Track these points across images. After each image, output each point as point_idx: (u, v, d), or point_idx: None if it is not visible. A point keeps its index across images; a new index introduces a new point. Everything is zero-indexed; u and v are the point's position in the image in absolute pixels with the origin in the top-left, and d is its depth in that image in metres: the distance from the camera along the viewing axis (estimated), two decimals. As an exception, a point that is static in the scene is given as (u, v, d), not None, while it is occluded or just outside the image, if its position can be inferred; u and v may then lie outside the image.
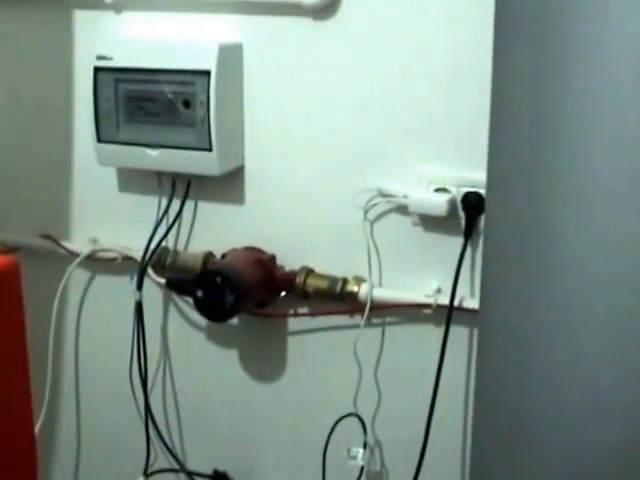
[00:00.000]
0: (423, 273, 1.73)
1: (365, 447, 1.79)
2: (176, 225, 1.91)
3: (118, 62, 1.78)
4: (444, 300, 1.68)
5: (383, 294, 1.75)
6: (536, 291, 1.17)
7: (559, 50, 1.09)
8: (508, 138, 1.21)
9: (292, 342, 1.90)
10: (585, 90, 1.08)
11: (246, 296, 1.75)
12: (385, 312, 1.77)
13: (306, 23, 1.71)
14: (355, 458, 1.78)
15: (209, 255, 1.87)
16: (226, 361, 1.96)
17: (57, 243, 2.02)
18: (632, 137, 1.05)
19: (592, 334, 1.12)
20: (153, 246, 1.89)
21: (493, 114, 1.25)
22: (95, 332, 2.09)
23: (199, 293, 1.74)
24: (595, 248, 1.10)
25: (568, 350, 1.14)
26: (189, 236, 1.92)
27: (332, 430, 1.79)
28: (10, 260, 1.18)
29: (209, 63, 1.70)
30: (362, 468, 1.80)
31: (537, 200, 1.15)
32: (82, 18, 1.91)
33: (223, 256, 1.85)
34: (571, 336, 1.14)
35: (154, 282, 1.92)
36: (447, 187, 1.66)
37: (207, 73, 1.70)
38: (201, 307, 1.76)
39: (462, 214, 1.66)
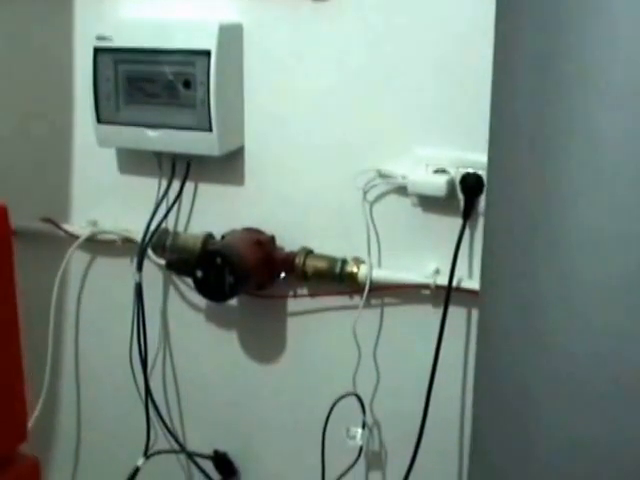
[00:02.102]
0: (422, 254, 1.73)
1: (364, 427, 1.80)
2: (176, 206, 1.91)
3: (118, 42, 1.77)
4: (443, 281, 1.68)
5: (382, 275, 1.75)
6: (537, 268, 1.17)
7: (563, 28, 1.09)
8: (509, 117, 1.21)
9: (291, 323, 1.90)
10: (590, 64, 1.07)
11: (245, 277, 1.75)
12: (384, 293, 1.77)
13: (306, 4, 1.71)
14: (354, 438, 1.79)
15: (209, 236, 1.87)
16: (226, 342, 1.97)
17: (57, 226, 2.02)
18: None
19: (594, 308, 1.12)
20: (153, 227, 1.89)
21: (494, 93, 1.25)
22: (95, 314, 2.10)
23: (199, 274, 1.74)
24: (598, 225, 1.10)
25: (570, 324, 1.15)
26: (189, 217, 1.92)
27: (331, 410, 1.78)
28: None
29: (209, 43, 1.70)
30: (361, 448, 1.80)
31: (538, 179, 1.15)
32: (82, -2, 1.92)
33: (223, 237, 1.85)
34: (573, 310, 1.14)
35: (154, 263, 1.93)
36: (446, 168, 1.66)
37: (207, 53, 1.70)
38: (201, 288, 1.76)
39: (461, 195, 1.66)
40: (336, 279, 1.78)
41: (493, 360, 1.30)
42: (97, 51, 1.79)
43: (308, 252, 1.80)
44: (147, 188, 1.91)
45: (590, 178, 1.10)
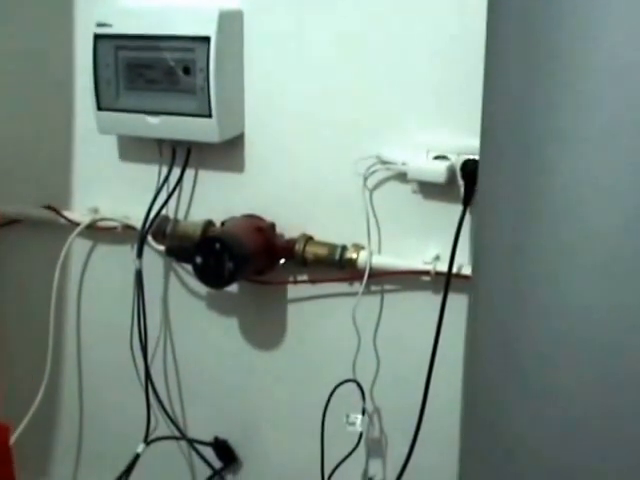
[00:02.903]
0: (422, 240, 1.73)
1: (364, 413, 1.80)
2: (176, 193, 1.91)
3: (118, 29, 1.77)
4: (442, 267, 1.68)
5: (382, 261, 1.76)
6: (528, 244, 1.18)
7: (556, 10, 1.09)
8: (500, 103, 1.22)
9: (291, 309, 1.91)
10: (582, 49, 1.08)
11: (245, 263, 1.75)
12: (384, 279, 1.78)
13: (305, -11, 1.72)
14: (354, 424, 1.79)
15: (209, 223, 1.88)
16: (226, 328, 1.97)
17: (58, 213, 2.03)
18: (632, 93, 1.05)
19: (584, 284, 1.13)
20: (153, 214, 1.89)
21: (486, 77, 1.27)
22: (96, 300, 2.11)
23: (198, 260, 1.74)
24: (595, 206, 1.10)
25: (561, 301, 1.15)
26: (189, 204, 1.93)
27: (331, 396, 1.80)
28: None
29: (209, 29, 1.70)
30: (361, 434, 1.81)
31: (531, 162, 1.16)
32: (83, -15, 1.92)
33: (223, 224, 1.86)
34: (561, 289, 1.15)
35: (154, 250, 1.93)
36: (446, 155, 1.66)
37: (207, 39, 1.70)
38: (200, 274, 1.77)
39: (461, 181, 1.66)
40: (336, 265, 1.78)
41: (483, 340, 1.31)
42: (97, 38, 1.79)
43: (308, 238, 1.80)
44: (147, 175, 1.92)
45: (582, 159, 1.10)
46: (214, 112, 1.73)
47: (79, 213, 2.02)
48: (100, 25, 1.78)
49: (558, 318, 1.16)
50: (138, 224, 1.90)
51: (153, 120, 1.79)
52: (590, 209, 1.11)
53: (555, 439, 1.19)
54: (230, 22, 1.74)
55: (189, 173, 1.89)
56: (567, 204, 1.12)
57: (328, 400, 1.80)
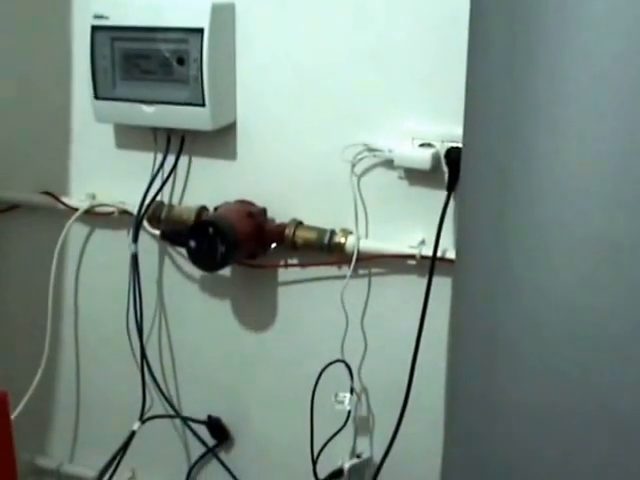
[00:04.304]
0: (408, 225, 1.77)
1: (352, 392, 1.84)
2: (171, 180, 1.96)
3: (114, 21, 1.82)
4: (428, 251, 1.73)
5: (369, 245, 1.80)
6: (508, 228, 1.21)
7: (535, 3, 1.13)
8: (483, 88, 1.26)
9: (282, 292, 1.95)
10: (562, 36, 1.11)
11: (237, 246, 1.79)
12: (371, 263, 1.82)
13: (295, -17, 1.76)
14: (342, 403, 1.83)
15: (202, 208, 1.92)
16: (219, 310, 2.02)
17: (56, 199, 2.07)
18: (610, 79, 1.09)
19: (564, 267, 1.16)
20: (148, 200, 1.94)
21: (469, 64, 1.30)
22: (93, 284, 2.15)
23: (192, 243, 1.79)
24: (575, 190, 1.14)
25: (540, 283, 1.18)
26: (183, 190, 1.97)
27: (320, 376, 1.83)
28: None
29: (202, 21, 1.74)
30: (349, 412, 1.85)
31: (513, 147, 1.19)
32: (80, -22, 1.95)
33: (216, 209, 1.90)
34: (542, 271, 1.18)
35: (149, 235, 1.98)
36: (431, 142, 1.70)
37: (200, 31, 1.74)
38: (194, 257, 1.81)
39: (445, 168, 1.70)
40: (325, 249, 1.82)
41: (466, 321, 1.35)
42: (94, 29, 1.83)
43: (298, 223, 1.85)
44: (143, 162, 1.96)
45: (561, 151, 1.13)
46: (207, 101, 1.77)
47: (77, 199, 2.06)
48: (97, 17, 1.83)
49: (538, 300, 1.19)
50: (134, 209, 1.95)
51: (148, 109, 1.83)
52: (567, 193, 1.14)
53: (538, 416, 1.22)
54: (223, 14, 1.79)
55: (183, 160, 1.94)
56: (545, 189, 1.15)
57: (317, 379, 1.83)
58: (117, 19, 1.82)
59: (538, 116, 1.15)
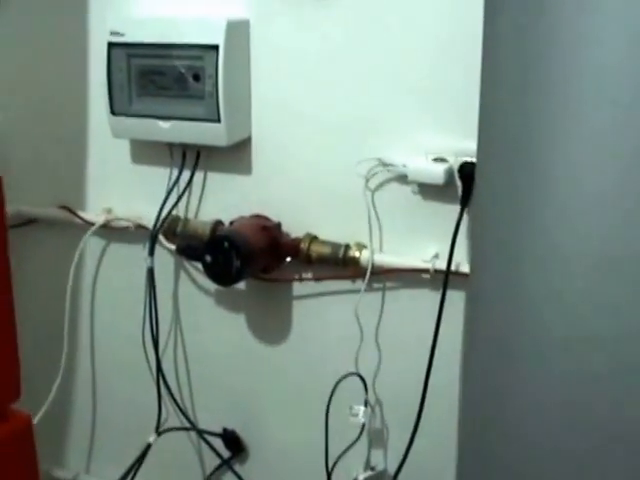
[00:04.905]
0: (421, 239, 1.78)
1: (366, 405, 1.85)
2: (186, 194, 1.97)
3: (131, 38, 1.83)
4: (441, 265, 1.73)
5: (383, 259, 1.81)
6: (522, 244, 1.22)
7: (550, 15, 1.14)
8: (498, 104, 1.26)
9: (296, 306, 1.96)
10: (576, 54, 1.12)
11: (252, 261, 1.81)
12: (385, 277, 1.83)
13: (309, 0, 1.77)
14: (356, 415, 1.84)
15: (218, 223, 1.94)
16: (234, 324, 2.03)
17: (73, 213, 2.09)
18: (622, 98, 1.10)
19: (576, 282, 1.17)
20: (164, 215, 1.95)
21: (483, 81, 1.31)
22: (109, 297, 2.17)
23: (207, 258, 1.80)
24: (586, 206, 1.14)
25: (553, 298, 1.19)
26: (198, 205, 1.98)
27: (334, 389, 1.83)
28: None
29: (218, 38, 1.76)
30: (363, 425, 1.86)
31: (527, 163, 1.20)
32: (97, -4, 1.98)
33: (231, 223, 1.91)
34: (559, 291, 1.19)
35: (165, 249, 1.99)
36: (445, 157, 1.71)
37: (216, 48, 1.76)
38: (209, 271, 1.83)
39: (459, 183, 1.70)
40: (339, 263, 1.83)
41: (479, 335, 1.35)
42: (111, 46, 1.85)
43: (313, 238, 1.86)
44: (159, 177, 1.97)
45: (577, 161, 1.14)
46: (222, 117, 1.79)
47: (93, 213, 2.08)
48: (113, 34, 1.84)
49: (552, 314, 1.20)
50: (150, 224, 1.96)
51: (164, 125, 1.85)
52: (580, 209, 1.15)
53: (551, 429, 1.23)
54: (237, 31, 1.80)
55: (198, 175, 1.95)
56: (558, 204, 1.16)
57: (332, 392, 1.84)
58: (133, 36, 1.84)
59: (552, 133, 1.16)
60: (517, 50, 1.20)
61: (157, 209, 1.95)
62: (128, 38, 1.84)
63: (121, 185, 2.06)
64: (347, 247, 1.83)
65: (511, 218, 1.24)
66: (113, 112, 1.90)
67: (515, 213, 1.23)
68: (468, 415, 1.43)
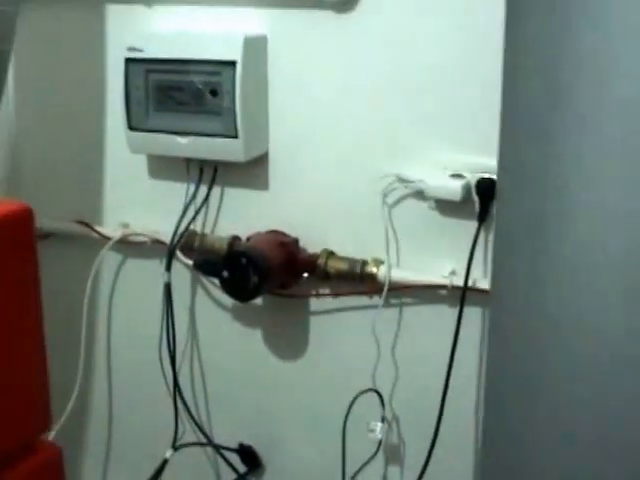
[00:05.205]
0: (439, 255, 1.78)
1: (383, 421, 1.85)
2: (203, 210, 1.97)
3: (148, 53, 1.84)
4: (458, 281, 1.73)
5: (401, 275, 1.81)
6: (545, 268, 1.22)
7: (572, 35, 1.14)
8: (519, 121, 1.27)
9: (314, 321, 1.95)
10: (599, 73, 1.13)
11: (269, 277, 1.81)
12: (402, 292, 1.82)
13: (328, 16, 1.77)
14: (374, 431, 1.84)
15: (235, 238, 1.94)
16: (251, 339, 2.03)
17: (90, 228, 2.10)
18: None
19: (601, 309, 1.17)
20: (181, 230, 1.95)
21: (504, 97, 1.31)
22: (126, 312, 2.17)
23: (224, 274, 1.80)
24: (607, 226, 1.15)
25: (577, 324, 1.20)
26: (215, 220, 1.98)
27: (351, 405, 1.84)
28: (21, 206, 1.18)
29: (235, 54, 1.76)
30: (380, 441, 1.86)
31: (547, 182, 1.20)
32: (114, 11, 1.98)
33: (248, 239, 1.92)
34: (580, 311, 1.20)
35: (182, 264, 1.99)
36: (462, 173, 1.71)
37: (233, 63, 1.76)
38: (226, 287, 1.83)
39: (476, 199, 1.71)
40: (357, 279, 1.83)
41: (503, 357, 1.35)
42: (128, 61, 1.86)
43: (330, 253, 1.86)
44: (176, 192, 1.98)
45: (597, 181, 1.15)
46: (240, 133, 1.79)
47: (110, 228, 2.08)
48: (131, 49, 1.85)
49: (573, 334, 1.21)
50: (167, 239, 1.96)
51: (182, 140, 1.85)
52: (600, 232, 1.16)
53: (576, 450, 1.24)
54: (255, 47, 1.81)
55: (216, 190, 1.96)
56: (578, 227, 1.17)
57: (349, 408, 1.84)
58: (151, 51, 1.85)
59: (576, 152, 1.17)
60: (539, 66, 1.21)
61: (174, 224, 1.96)
62: (146, 54, 1.85)
63: (138, 200, 2.07)
64: (364, 263, 1.83)
65: (533, 237, 1.24)
66: (130, 127, 1.90)
67: (537, 232, 1.23)
68: (491, 433, 1.43)
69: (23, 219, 1.17)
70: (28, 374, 1.27)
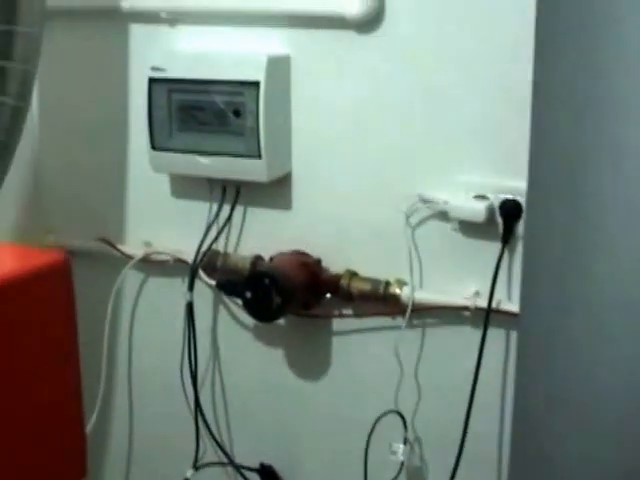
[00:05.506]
0: (462, 277, 1.77)
1: (405, 443, 1.84)
2: (226, 229, 1.97)
3: (172, 73, 1.85)
4: (482, 303, 1.72)
5: (424, 296, 1.80)
6: (574, 294, 1.22)
7: (600, 57, 1.14)
8: (549, 145, 1.26)
9: (336, 342, 1.95)
10: (627, 94, 1.12)
11: (292, 297, 1.81)
12: (425, 314, 1.82)
13: (350, 36, 1.77)
14: (396, 453, 1.83)
15: (257, 258, 1.94)
16: (273, 359, 2.02)
17: (113, 246, 2.10)
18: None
19: (630, 336, 1.17)
20: (204, 249, 1.96)
21: (534, 120, 1.30)
22: (148, 331, 2.17)
23: (247, 294, 1.80)
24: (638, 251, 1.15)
25: (605, 350, 1.19)
26: (238, 240, 1.98)
27: (374, 426, 1.83)
28: (61, 257, 1.17)
29: (258, 74, 1.76)
30: (402, 463, 1.85)
31: (577, 205, 1.20)
32: (138, 31, 1.99)
33: (271, 259, 1.92)
34: (608, 337, 1.19)
35: (205, 283, 1.99)
36: (486, 194, 1.71)
37: (256, 84, 1.76)
38: (249, 308, 1.83)
39: (500, 220, 1.70)
40: (379, 300, 1.83)
41: (531, 379, 1.34)
42: (152, 81, 1.86)
43: (352, 274, 1.85)
44: (198, 211, 1.98)
45: (628, 208, 1.14)
46: (263, 153, 1.79)
47: (132, 246, 2.08)
48: (155, 69, 1.86)
49: (596, 362, 1.20)
50: (189, 258, 1.96)
51: (204, 160, 1.85)
52: (630, 258, 1.15)
53: (606, 473, 1.23)
54: (278, 67, 1.81)
55: (238, 210, 1.95)
56: (612, 247, 1.16)
57: (371, 430, 1.83)
58: (174, 71, 1.85)
59: (608, 176, 1.16)
60: (569, 87, 1.20)
61: (196, 243, 1.95)
62: (169, 73, 1.85)
63: (160, 219, 2.07)
64: (387, 283, 1.82)
65: (562, 258, 1.24)
66: (153, 147, 1.90)
67: (567, 253, 1.22)
68: (520, 455, 1.42)
69: (63, 270, 1.16)
70: (65, 424, 1.26)
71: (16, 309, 1.06)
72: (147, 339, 2.18)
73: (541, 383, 1.30)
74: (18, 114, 1.72)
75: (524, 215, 1.62)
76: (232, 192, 1.94)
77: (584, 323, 1.21)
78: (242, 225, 1.97)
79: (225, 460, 2.10)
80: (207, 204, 1.97)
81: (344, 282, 1.84)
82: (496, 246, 1.70)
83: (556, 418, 1.27)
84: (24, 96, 1.72)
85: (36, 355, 1.15)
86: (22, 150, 1.79)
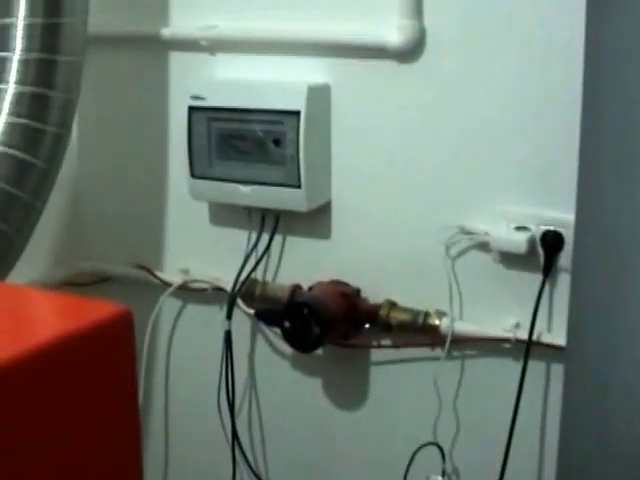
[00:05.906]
0: (502, 308, 1.76)
1: (444, 475, 1.83)
2: (265, 258, 1.97)
3: (211, 102, 1.85)
4: (523, 335, 1.71)
5: (463, 328, 1.79)
6: (622, 322, 1.20)
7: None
8: (597, 177, 1.25)
9: (374, 372, 1.94)
10: None
11: (331, 327, 1.81)
12: (465, 345, 1.81)
13: (391, 66, 1.77)
14: (434, 485, 1.83)
15: (296, 287, 1.93)
16: (310, 389, 2.02)
17: (151, 273, 2.11)
18: None
19: None
20: (243, 278, 1.95)
21: (582, 153, 1.30)
22: (185, 358, 2.17)
23: (286, 324, 1.80)
24: None
25: None
26: (277, 269, 1.98)
27: (412, 458, 1.81)
28: (121, 310, 1.05)
29: (299, 103, 1.76)
30: (441, 495, 1.84)
31: (626, 237, 1.19)
32: (178, 59, 2.00)
33: (310, 289, 1.91)
34: None
35: (243, 312, 1.99)
36: (527, 225, 1.70)
37: (297, 113, 1.76)
38: (288, 337, 1.83)
39: (541, 252, 1.69)
40: (419, 330, 1.82)
41: (579, 415, 1.33)
42: (192, 110, 1.87)
43: (392, 304, 1.85)
44: (237, 239, 1.98)
45: None
46: (303, 182, 1.79)
47: (171, 274, 2.09)
48: (194, 98, 1.86)
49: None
50: (228, 286, 1.96)
51: (244, 189, 1.85)
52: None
53: None
54: (318, 96, 1.81)
55: (277, 239, 1.95)
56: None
57: (410, 462, 1.81)
58: (214, 100, 1.85)
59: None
60: (619, 117, 1.19)
61: (234, 271, 1.95)
62: (209, 102, 1.86)
63: (199, 246, 2.07)
64: (427, 314, 1.82)
65: (611, 291, 1.23)
66: (193, 175, 1.91)
67: (614, 293, 1.21)
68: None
69: (125, 324, 1.06)
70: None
71: (73, 373, 0.97)
72: (184, 367, 2.18)
73: (589, 423, 1.28)
74: (59, 142, 1.73)
75: (566, 247, 1.61)
76: (271, 221, 1.93)
77: (635, 359, 1.20)
78: (281, 254, 1.97)
79: (261, 489, 2.10)
80: (246, 232, 1.97)
81: (383, 312, 1.84)
82: (537, 278, 1.69)
83: (606, 461, 1.26)
84: (65, 124, 1.73)
85: (93, 429, 1.07)
86: (62, 177, 1.80)
